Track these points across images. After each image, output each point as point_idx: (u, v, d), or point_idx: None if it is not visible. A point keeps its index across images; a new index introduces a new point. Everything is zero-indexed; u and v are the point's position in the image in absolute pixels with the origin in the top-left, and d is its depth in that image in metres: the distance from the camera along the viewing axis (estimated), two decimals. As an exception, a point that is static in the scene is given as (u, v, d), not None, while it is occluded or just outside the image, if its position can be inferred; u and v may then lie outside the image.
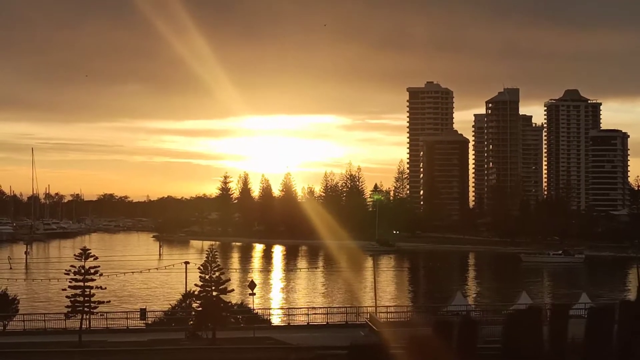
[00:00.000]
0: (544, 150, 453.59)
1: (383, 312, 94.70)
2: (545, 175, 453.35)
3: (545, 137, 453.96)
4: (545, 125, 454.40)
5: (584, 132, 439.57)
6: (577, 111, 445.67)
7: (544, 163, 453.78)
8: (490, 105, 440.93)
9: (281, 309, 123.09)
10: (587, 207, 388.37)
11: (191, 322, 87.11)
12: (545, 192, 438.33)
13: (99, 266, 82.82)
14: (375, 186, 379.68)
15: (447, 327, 65.29)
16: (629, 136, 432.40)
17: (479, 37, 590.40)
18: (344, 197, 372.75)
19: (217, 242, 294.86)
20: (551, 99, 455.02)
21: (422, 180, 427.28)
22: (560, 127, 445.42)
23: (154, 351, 76.82)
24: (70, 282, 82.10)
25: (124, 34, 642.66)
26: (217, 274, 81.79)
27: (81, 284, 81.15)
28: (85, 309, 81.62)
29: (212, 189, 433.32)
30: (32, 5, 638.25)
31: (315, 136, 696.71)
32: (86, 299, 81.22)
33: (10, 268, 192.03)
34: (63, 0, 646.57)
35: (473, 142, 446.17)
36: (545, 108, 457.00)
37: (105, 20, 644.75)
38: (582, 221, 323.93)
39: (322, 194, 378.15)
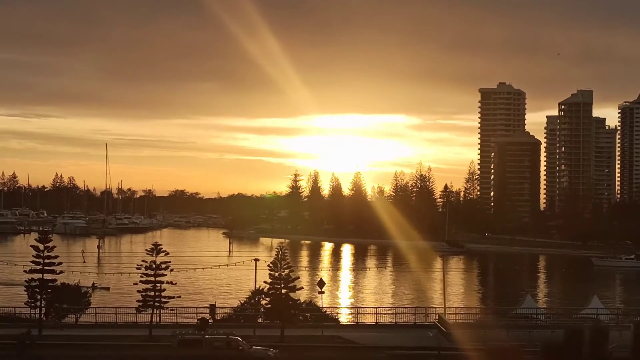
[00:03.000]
0: (617, 153, 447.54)
1: (452, 313, 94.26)
2: (619, 179, 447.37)
3: (619, 140, 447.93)
4: (619, 127, 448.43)
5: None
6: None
7: (617, 166, 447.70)
8: (563, 107, 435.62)
9: (349, 308, 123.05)
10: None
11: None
12: (618, 196, 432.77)
13: (169, 261, 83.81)
14: (446, 187, 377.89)
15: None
16: None
17: (553, 39, 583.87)
18: (413, 197, 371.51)
19: (287, 240, 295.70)
20: (625, 102, 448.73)
21: (492, 182, 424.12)
22: (634, 129, 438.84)
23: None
24: (141, 276, 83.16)
25: (198, 33, 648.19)
26: (286, 271, 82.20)
27: (152, 278, 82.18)
28: (156, 303, 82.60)
29: (282, 187, 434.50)
30: (109, 3, 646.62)
31: (386, 136, 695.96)
32: (157, 293, 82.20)
33: (84, 261, 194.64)
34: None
35: (545, 144, 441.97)
36: (620, 110, 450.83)
37: (180, 19, 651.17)
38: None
39: (391, 193, 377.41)
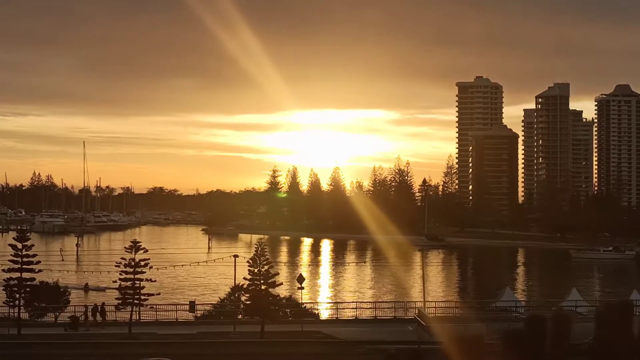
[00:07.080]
0: (595, 146, 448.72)
1: (432, 307, 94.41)
2: (596, 171, 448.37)
3: (596, 132, 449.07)
4: (595, 120, 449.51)
5: (635, 127, 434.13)
6: (628, 106, 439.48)
7: (595, 158, 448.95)
8: (540, 100, 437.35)
9: (329, 303, 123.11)
10: (638, 203, 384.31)
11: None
12: (596, 188, 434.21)
13: (149, 259, 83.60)
14: (424, 181, 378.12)
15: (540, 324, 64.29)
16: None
17: (529, 33, 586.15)
18: (392, 191, 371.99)
19: (266, 236, 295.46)
20: (602, 94, 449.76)
21: (471, 175, 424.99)
22: (611, 122, 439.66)
23: (203, 344, 77.28)
24: (120, 274, 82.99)
25: (176, 29, 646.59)
26: (265, 267, 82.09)
27: (131, 276, 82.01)
28: (135, 301, 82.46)
29: (261, 183, 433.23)
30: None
31: (365, 131, 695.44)
32: (136, 291, 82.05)
33: (62, 260, 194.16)
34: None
35: (522, 137, 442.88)
36: (596, 103, 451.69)
37: (157, 15, 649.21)
38: (633, 217, 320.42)
39: (370, 188, 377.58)
